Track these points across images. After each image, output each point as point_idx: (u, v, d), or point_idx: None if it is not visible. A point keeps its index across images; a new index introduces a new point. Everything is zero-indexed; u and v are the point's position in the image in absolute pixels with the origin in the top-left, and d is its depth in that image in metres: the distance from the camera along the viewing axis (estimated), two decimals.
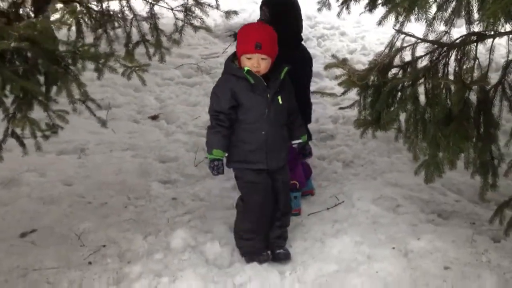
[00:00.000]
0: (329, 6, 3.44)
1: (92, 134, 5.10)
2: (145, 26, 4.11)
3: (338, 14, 3.44)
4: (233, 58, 2.94)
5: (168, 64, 6.77)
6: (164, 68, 6.65)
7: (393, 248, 3.18)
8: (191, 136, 5.11)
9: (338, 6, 3.33)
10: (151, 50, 4.23)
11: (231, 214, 3.75)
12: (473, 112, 2.56)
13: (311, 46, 7.26)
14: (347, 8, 3.27)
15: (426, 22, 2.30)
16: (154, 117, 5.58)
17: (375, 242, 3.27)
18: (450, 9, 2.39)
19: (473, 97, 2.54)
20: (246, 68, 2.81)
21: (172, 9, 3.98)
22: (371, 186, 3.97)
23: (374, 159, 4.46)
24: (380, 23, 2.34)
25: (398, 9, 2.15)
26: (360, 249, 3.22)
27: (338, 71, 2.60)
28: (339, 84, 2.57)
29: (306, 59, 3.32)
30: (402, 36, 2.56)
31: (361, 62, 6.67)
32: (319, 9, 3.44)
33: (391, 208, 3.70)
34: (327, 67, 2.66)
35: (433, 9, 2.31)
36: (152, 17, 3.84)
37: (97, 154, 4.73)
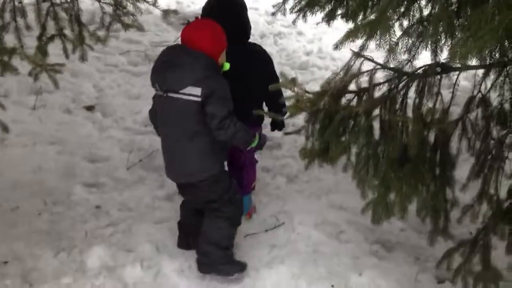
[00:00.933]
0: (284, 12, 3.11)
1: (16, 122, 4.56)
2: (64, 16, 3.58)
3: (294, 21, 3.12)
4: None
5: (113, 48, 6.30)
6: (108, 53, 6.14)
7: (332, 286, 2.92)
8: (127, 133, 4.68)
9: (294, 13, 3.01)
10: (69, 47, 3.69)
11: (159, 229, 3.41)
12: (429, 151, 2.30)
13: (268, 44, 6.91)
14: (304, 17, 2.95)
15: (387, 47, 2.00)
16: (89, 108, 5.09)
17: (314, 276, 3.02)
18: (414, 37, 2.11)
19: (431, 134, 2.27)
20: (227, 65, 2.82)
21: (99, 1, 3.49)
22: (315, 208, 3.72)
23: (320, 176, 4.17)
24: (336, 47, 2.04)
25: (358, 34, 1.85)
26: (298, 284, 2.95)
27: (287, 92, 2.27)
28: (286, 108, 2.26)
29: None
30: (360, 59, 2.25)
31: (316, 65, 6.42)
32: (274, 14, 3.11)
33: (334, 235, 3.46)
34: (274, 87, 2.32)
35: (396, 35, 2.03)
36: (72, 7, 3.33)
37: (17, 146, 4.23)
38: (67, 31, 3.66)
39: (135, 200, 3.74)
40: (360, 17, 2.25)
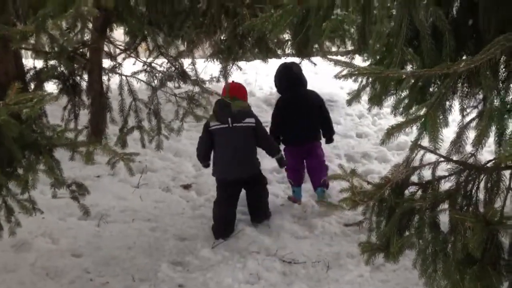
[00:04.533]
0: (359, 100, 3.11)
1: (119, 199, 5.00)
2: (144, 110, 4.01)
3: (369, 109, 3.10)
4: None
5: None
6: None
7: None
8: None
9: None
10: (146, 137, 4.13)
11: None
12: (506, 253, 2.09)
13: (365, 124, 6.90)
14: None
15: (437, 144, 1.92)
16: (186, 187, 5.40)
17: None
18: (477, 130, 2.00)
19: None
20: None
21: (175, 95, 3.83)
22: None
23: (409, 265, 3.89)
24: (383, 142, 1.98)
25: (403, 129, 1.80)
26: None
27: (343, 183, 2.25)
28: (340, 202, 2.22)
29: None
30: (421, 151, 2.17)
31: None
32: (349, 103, 3.11)
33: None
34: (330, 178, 2.32)
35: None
36: (152, 101, 3.72)
37: (117, 222, 4.59)
38: (145, 123, 4.10)
39: (216, 281, 3.80)
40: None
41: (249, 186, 4.60)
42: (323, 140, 5.16)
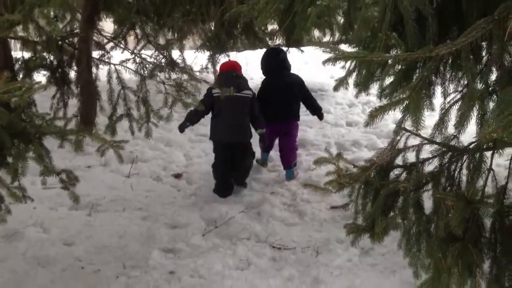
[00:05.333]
0: (346, 86, 3.15)
1: (110, 189, 5.02)
2: (132, 98, 4.02)
3: (356, 95, 3.14)
4: None
5: (207, 119, 6.75)
6: (200, 123, 6.55)
7: None
8: (209, 201, 4.89)
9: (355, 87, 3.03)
10: (135, 125, 4.15)
11: None
12: (488, 232, 2.14)
13: (355, 113, 6.97)
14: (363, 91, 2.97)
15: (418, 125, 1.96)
16: (177, 176, 5.43)
17: None
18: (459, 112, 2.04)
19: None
20: None
21: (164, 83, 3.85)
22: (386, 284, 3.53)
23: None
24: (367, 125, 2.02)
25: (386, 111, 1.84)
26: None
27: (329, 167, 2.29)
28: (325, 184, 2.26)
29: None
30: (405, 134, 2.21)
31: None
32: (335, 89, 3.15)
33: None
34: (316, 162, 2.35)
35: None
36: (141, 89, 3.74)
37: (108, 212, 4.61)
38: (134, 112, 4.12)
39: (207, 267, 3.84)
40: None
41: (240, 151, 5.06)
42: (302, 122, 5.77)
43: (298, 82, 5.43)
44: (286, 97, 5.33)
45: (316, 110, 5.52)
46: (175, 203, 4.84)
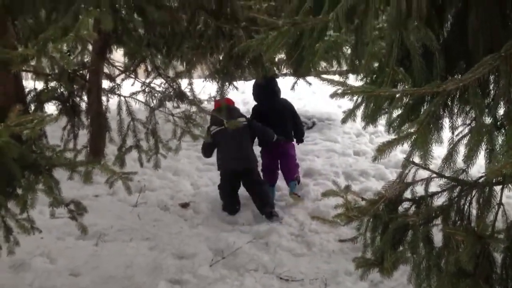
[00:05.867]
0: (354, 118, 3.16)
1: (117, 219, 5.02)
2: (142, 129, 4.08)
3: (364, 127, 3.15)
4: None
5: None
6: None
7: None
8: (215, 231, 4.87)
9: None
10: (144, 156, 4.20)
11: None
12: (499, 267, 2.12)
13: (362, 142, 6.99)
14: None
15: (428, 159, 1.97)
16: (185, 205, 5.42)
17: None
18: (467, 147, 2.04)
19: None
20: None
21: (173, 115, 3.90)
22: None
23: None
24: (375, 159, 2.03)
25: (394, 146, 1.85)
26: None
27: (338, 199, 2.29)
28: (334, 217, 2.25)
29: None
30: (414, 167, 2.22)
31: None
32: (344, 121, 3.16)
33: None
34: (325, 195, 2.35)
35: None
36: (150, 121, 3.80)
37: (116, 241, 4.59)
38: (143, 143, 4.18)
39: None
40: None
41: (246, 177, 5.33)
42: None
43: (288, 105, 5.81)
44: (279, 119, 5.65)
45: (300, 136, 5.89)
46: (182, 233, 4.82)
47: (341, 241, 2.50)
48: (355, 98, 2.72)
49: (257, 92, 5.81)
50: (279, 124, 5.63)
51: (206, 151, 5.47)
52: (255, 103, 5.95)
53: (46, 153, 2.67)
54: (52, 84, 4.16)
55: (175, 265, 4.25)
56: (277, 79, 5.97)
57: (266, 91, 5.71)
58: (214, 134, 5.26)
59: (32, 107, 4.27)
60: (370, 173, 6.25)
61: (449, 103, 2.17)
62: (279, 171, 5.77)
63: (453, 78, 1.92)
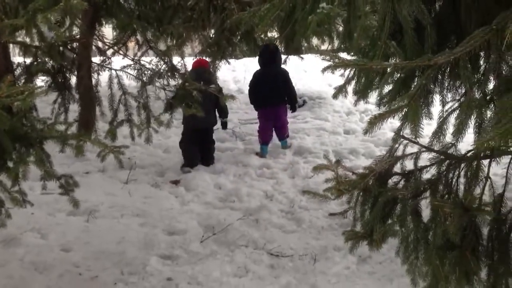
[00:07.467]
0: (345, 94, 3.17)
1: (108, 195, 5.02)
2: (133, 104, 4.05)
3: (355, 103, 3.17)
4: None
5: None
6: None
7: None
8: (207, 207, 4.90)
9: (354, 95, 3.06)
10: (135, 131, 4.19)
11: None
12: (485, 240, 2.16)
13: (353, 121, 7.02)
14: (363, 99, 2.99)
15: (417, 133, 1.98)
16: (175, 182, 5.43)
17: None
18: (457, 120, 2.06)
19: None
20: None
21: (164, 89, 3.88)
22: None
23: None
24: (366, 132, 2.04)
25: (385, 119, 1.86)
26: None
27: (328, 174, 2.31)
28: (324, 191, 2.28)
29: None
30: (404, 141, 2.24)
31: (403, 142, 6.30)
32: (335, 96, 3.18)
33: None
34: (315, 169, 2.37)
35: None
36: (141, 95, 3.77)
37: (106, 218, 4.61)
38: (135, 117, 4.16)
39: (205, 274, 3.83)
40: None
41: (204, 135, 5.95)
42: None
43: (282, 73, 6.38)
44: (272, 83, 6.22)
45: (292, 100, 6.50)
46: (173, 210, 4.84)
47: (331, 215, 2.54)
48: (346, 73, 2.73)
49: (258, 58, 6.46)
50: (271, 88, 6.23)
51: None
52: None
53: (37, 125, 2.65)
54: (43, 58, 4.11)
55: (166, 241, 4.28)
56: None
57: (264, 58, 6.28)
58: None
59: (22, 80, 4.22)
60: (360, 152, 6.29)
61: (440, 78, 2.18)
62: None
63: (444, 52, 1.93)
